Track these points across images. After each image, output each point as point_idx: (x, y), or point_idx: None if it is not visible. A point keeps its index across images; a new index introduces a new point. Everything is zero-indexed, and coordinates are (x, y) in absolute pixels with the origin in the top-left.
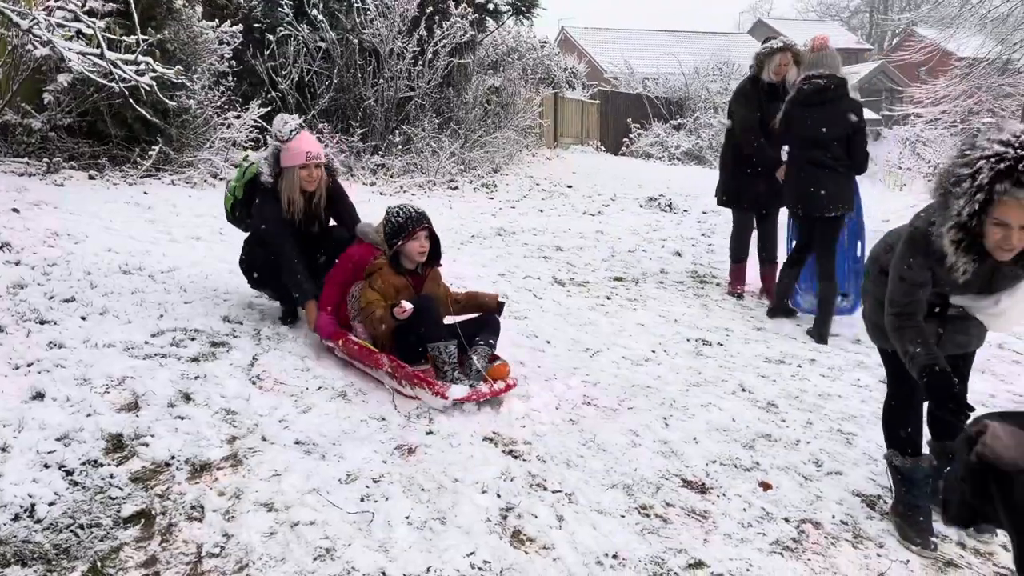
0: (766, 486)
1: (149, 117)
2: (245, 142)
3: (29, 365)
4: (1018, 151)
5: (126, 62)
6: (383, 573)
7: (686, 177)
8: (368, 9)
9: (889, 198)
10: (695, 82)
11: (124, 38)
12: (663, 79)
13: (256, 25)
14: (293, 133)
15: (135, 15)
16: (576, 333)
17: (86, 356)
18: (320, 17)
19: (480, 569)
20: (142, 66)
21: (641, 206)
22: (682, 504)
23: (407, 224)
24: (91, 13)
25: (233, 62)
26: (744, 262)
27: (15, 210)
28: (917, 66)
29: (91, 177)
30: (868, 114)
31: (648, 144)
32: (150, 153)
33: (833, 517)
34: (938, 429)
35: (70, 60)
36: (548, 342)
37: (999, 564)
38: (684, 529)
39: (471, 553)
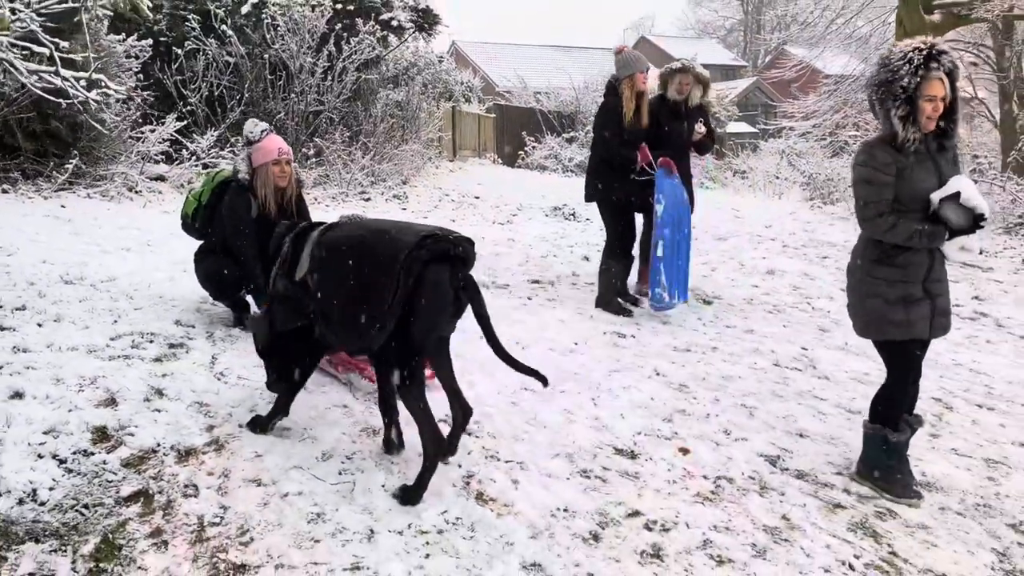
0: (685, 451)
1: (59, 131)
2: (156, 156)
3: (0, 368)
4: (928, 46)
5: (77, 79)
6: (371, 530)
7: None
8: (278, 25)
9: (768, 205)
10: (585, 96)
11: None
12: (554, 93)
13: (162, 39)
14: (263, 134)
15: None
16: (505, 329)
17: (53, 359)
18: (229, 32)
19: (454, 524)
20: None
21: (547, 215)
22: (616, 468)
23: None
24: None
25: (140, 76)
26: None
27: None
28: (789, 83)
29: (3, 191)
30: (745, 127)
31: (543, 157)
32: (66, 167)
33: (743, 474)
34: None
35: (24, 78)
36: (480, 337)
37: (879, 505)
38: (621, 487)
39: (444, 512)
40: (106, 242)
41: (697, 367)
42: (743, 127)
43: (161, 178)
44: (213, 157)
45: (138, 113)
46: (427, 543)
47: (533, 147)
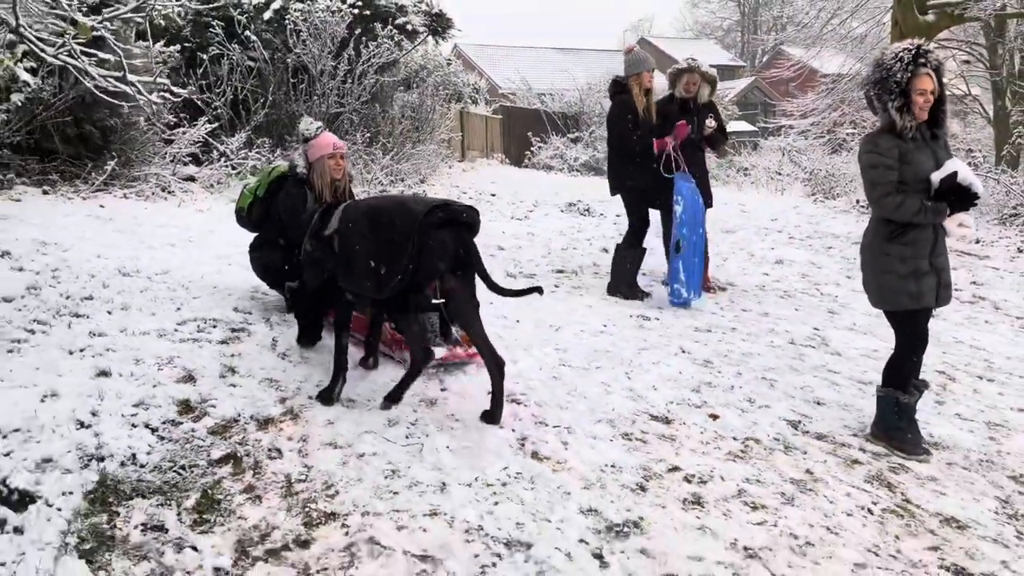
0: (714, 417)
1: (93, 135)
2: (184, 158)
3: (82, 351)
4: (916, 47)
5: (143, 83)
6: (443, 483)
7: (592, 187)
8: (300, 30)
9: (772, 201)
10: (589, 97)
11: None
12: (558, 94)
13: (187, 44)
14: (319, 131)
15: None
16: (537, 314)
17: (129, 342)
18: (253, 37)
19: (515, 478)
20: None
21: (562, 211)
22: (654, 432)
23: None
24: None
25: (168, 81)
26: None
27: None
28: (787, 82)
29: (45, 192)
30: (745, 126)
31: (548, 157)
32: (105, 168)
33: (768, 435)
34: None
35: (89, 82)
36: (517, 321)
37: (892, 462)
38: (660, 447)
39: (505, 468)
40: (150, 239)
41: (719, 345)
42: (743, 126)
43: (191, 179)
44: (241, 158)
45: (170, 117)
46: (494, 493)
47: (539, 147)
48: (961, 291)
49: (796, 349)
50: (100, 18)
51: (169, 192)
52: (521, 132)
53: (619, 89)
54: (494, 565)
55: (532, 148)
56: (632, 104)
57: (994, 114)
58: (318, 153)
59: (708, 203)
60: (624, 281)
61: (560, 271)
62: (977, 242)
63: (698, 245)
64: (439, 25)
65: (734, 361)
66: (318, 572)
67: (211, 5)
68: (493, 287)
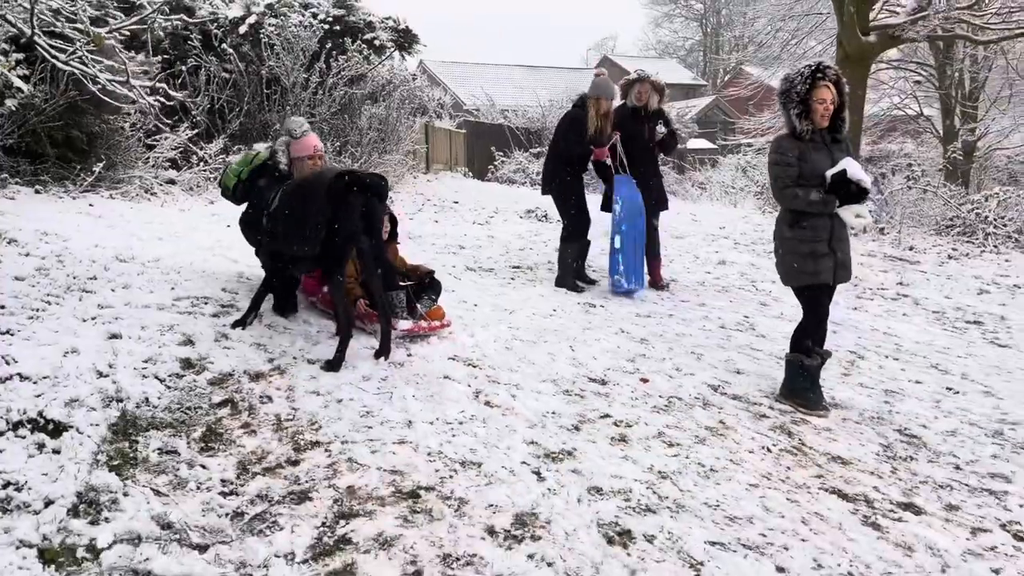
0: (644, 380)
1: (79, 140)
2: (164, 163)
3: (93, 318)
4: (816, 64)
5: (142, 86)
6: (409, 421)
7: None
8: (274, 44)
9: (724, 212)
10: (551, 113)
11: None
12: (522, 110)
13: (166, 56)
14: (304, 133)
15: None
16: (494, 300)
17: (133, 313)
18: (229, 50)
19: (470, 418)
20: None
21: (521, 217)
22: (591, 390)
23: None
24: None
25: (165, 85)
26: None
27: None
28: (746, 100)
29: (37, 192)
30: (705, 143)
31: (512, 171)
32: (92, 170)
33: (690, 395)
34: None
35: (93, 86)
36: (475, 305)
37: (795, 417)
38: (595, 401)
39: (462, 411)
40: (140, 233)
41: (656, 328)
42: (703, 143)
43: (172, 182)
44: (219, 164)
45: (153, 124)
46: (452, 429)
47: (502, 161)
48: (887, 290)
49: (725, 332)
50: (108, 29)
51: (152, 194)
52: (484, 146)
53: (579, 103)
54: (451, 477)
55: (496, 162)
56: (583, 120)
57: (943, 133)
58: (300, 153)
59: (663, 206)
60: (569, 274)
61: (517, 267)
62: (911, 248)
63: (638, 240)
64: (405, 41)
65: (668, 340)
66: (307, 481)
67: (194, 21)
68: (383, 263)
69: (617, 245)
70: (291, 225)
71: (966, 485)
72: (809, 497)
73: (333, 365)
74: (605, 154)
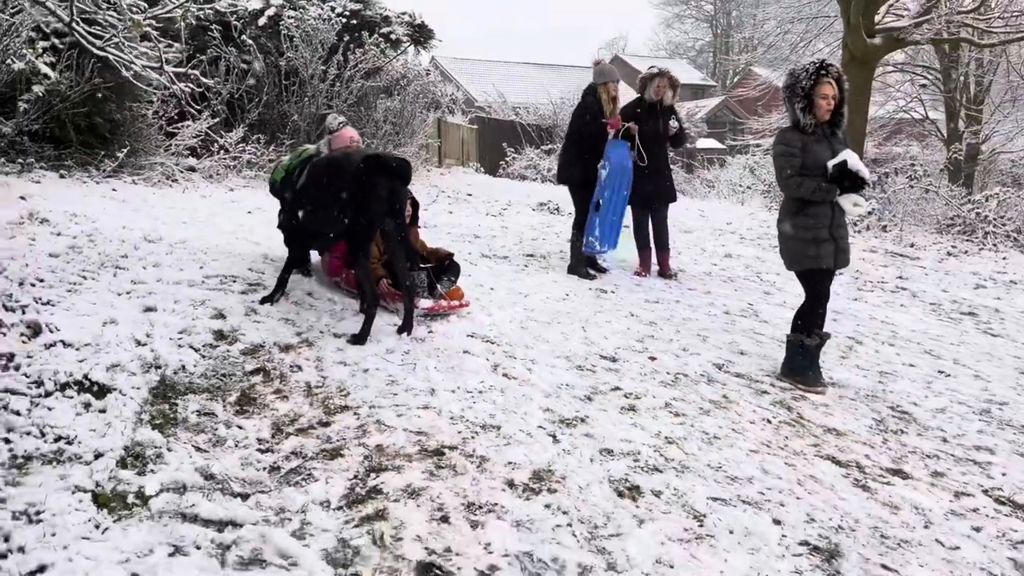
0: (653, 359)
1: (101, 127)
2: (183, 151)
3: (128, 293)
4: (820, 62)
5: (176, 75)
6: (432, 389)
7: (564, 192)
8: (293, 36)
9: (731, 209)
10: (563, 110)
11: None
12: (533, 108)
13: (186, 46)
14: (340, 125)
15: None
16: (509, 284)
17: (166, 288)
18: (248, 42)
19: (490, 388)
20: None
21: (533, 210)
22: (602, 366)
23: None
24: None
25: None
26: (647, 250)
27: (22, 197)
28: (755, 101)
29: (61, 176)
30: (714, 143)
31: (523, 167)
32: (116, 156)
33: (695, 372)
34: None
35: (140, 72)
36: (491, 288)
37: (795, 394)
38: (606, 375)
39: (481, 381)
40: (164, 217)
41: (664, 312)
42: (712, 143)
43: (192, 169)
44: (238, 152)
45: (175, 111)
46: (472, 396)
47: (513, 158)
48: (886, 283)
49: (730, 317)
50: (145, 16)
51: (173, 180)
52: (496, 143)
53: (589, 92)
54: (473, 437)
55: (507, 158)
56: (595, 105)
57: (947, 135)
58: (338, 144)
59: (671, 198)
60: (581, 262)
61: (530, 255)
62: (911, 245)
63: (619, 206)
64: (421, 36)
65: (675, 324)
66: (338, 441)
67: (222, 9)
68: (406, 244)
69: (596, 209)
70: (316, 202)
71: (952, 455)
72: (805, 462)
73: (359, 339)
74: (619, 123)
